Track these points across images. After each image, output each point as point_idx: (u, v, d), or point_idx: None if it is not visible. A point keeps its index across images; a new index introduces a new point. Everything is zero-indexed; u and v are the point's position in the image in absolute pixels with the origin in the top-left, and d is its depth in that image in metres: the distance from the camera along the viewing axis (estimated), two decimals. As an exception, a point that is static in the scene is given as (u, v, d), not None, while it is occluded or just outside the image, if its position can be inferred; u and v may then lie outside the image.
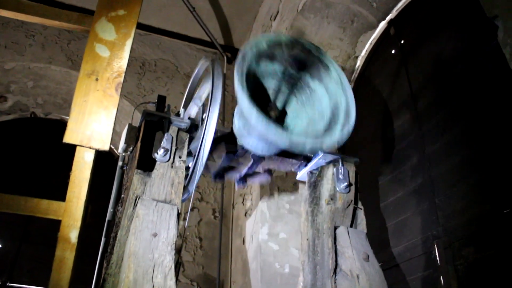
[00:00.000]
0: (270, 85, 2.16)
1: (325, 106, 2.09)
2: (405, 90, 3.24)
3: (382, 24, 3.89)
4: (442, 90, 2.91)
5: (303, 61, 2.12)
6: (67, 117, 5.24)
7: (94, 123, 1.75)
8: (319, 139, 1.93)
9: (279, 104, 2.20)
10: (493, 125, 2.47)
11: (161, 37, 5.34)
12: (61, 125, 5.28)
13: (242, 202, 4.26)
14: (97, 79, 1.78)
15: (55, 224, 1.85)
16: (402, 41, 3.49)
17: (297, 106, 2.20)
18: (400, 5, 3.71)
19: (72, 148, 1.89)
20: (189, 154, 2.08)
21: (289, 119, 2.19)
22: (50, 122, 5.37)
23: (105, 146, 1.78)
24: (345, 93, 2.06)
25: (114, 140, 2.07)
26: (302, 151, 2.27)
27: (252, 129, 2.01)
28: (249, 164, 2.28)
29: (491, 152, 2.44)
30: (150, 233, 1.75)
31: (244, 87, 1.81)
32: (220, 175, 2.37)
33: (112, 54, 1.83)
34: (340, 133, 1.92)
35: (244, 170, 2.32)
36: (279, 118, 2.16)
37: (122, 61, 1.84)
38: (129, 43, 1.88)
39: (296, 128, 2.14)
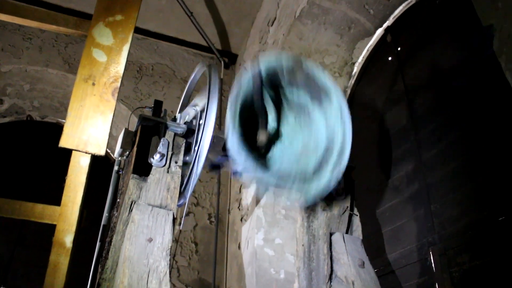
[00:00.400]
0: (267, 103, 2.14)
1: (321, 135, 2.05)
2: (402, 96, 3.25)
3: (379, 31, 3.91)
4: (438, 97, 2.92)
5: (304, 83, 2.10)
6: (63, 121, 5.24)
7: (90, 128, 1.75)
8: (306, 184, 1.89)
9: (273, 122, 2.19)
10: (488, 133, 2.48)
11: (158, 42, 5.35)
12: (57, 128, 5.27)
13: (238, 207, 4.26)
14: (93, 84, 1.78)
15: (50, 228, 1.84)
16: (399, 48, 3.51)
17: (294, 126, 2.17)
18: (397, 13, 3.73)
19: (68, 151, 1.88)
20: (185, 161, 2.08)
21: (283, 142, 2.17)
22: (46, 125, 5.36)
23: (101, 151, 1.78)
24: (344, 125, 2.01)
25: (110, 144, 2.07)
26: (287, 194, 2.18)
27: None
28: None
29: (486, 159, 2.45)
30: (145, 238, 1.75)
31: (235, 127, 1.82)
32: (215, 166, 2.34)
33: (109, 59, 1.83)
34: (329, 176, 1.89)
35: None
36: (273, 136, 2.15)
37: (119, 66, 1.84)
38: (126, 48, 1.88)
39: (286, 157, 2.11)
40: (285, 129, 2.20)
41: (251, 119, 2.05)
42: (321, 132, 2.06)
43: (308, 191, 1.89)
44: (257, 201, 3.79)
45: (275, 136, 2.18)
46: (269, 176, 1.88)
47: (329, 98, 2.05)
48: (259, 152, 2.09)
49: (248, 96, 1.97)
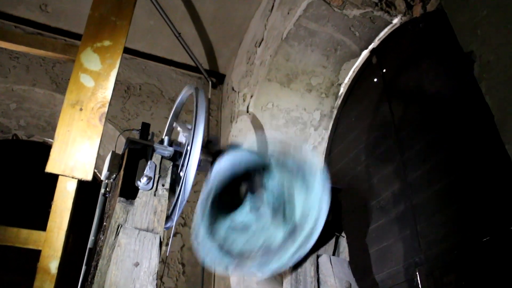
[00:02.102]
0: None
1: (297, 210, 2.05)
2: (387, 117, 3.30)
3: (365, 53, 3.98)
4: (423, 118, 2.97)
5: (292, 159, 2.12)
6: (50, 140, 5.20)
7: (77, 153, 1.75)
8: (266, 264, 1.91)
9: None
10: (473, 154, 2.52)
11: (146, 62, 5.37)
12: (44, 148, 5.23)
13: (226, 227, 4.24)
14: (81, 109, 1.79)
15: (35, 251, 1.82)
16: (384, 70, 3.57)
17: (276, 185, 2.19)
18: (382, 35, 3.81)
19: (54, 174, 1.87)
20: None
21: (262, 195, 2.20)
22: (33, 144, 5.31)
23: (88, 176, 1.78)
24: (319, 212, 1.95)
25: (97, 163, 2.06)
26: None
27: None
28: None
29: (471, 180, 2.49)
30: (132, 262, 1.73)
31: (203, 219, 1.92)
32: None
33: (97, 84, 1.84)
34: (289, 257, 1.90)
35: None
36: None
37: (106, 92, 1.85)
38: (114, 74, 1.89)
39: (259, 216, 2.13)
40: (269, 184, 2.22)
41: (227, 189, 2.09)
42: (297, 208, 2.05)
43: (268, 265, 1.91)
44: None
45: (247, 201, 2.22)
46: (230, 260, 1.93)
47: (312, 180, 2.03)
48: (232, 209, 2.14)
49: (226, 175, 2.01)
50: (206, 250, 1.91)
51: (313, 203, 1.98)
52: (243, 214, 2.16)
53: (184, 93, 2.37)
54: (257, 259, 1.92)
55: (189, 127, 2.06)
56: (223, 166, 2.01)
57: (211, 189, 1.94)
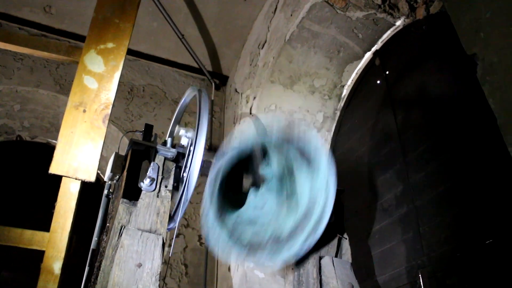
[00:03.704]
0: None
1: (304, 197, 2.03)
2: (390, 119, 3.30)
3: (368, 55, 3.98)
4: (426, 120, 2.97)
5: (295, 143, 2.11)
6: (53, 141, 5.22)
7: (80, 154, 1.76)
8: (277, 254, 1.90)
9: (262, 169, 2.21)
10: (476, 157, 2.52)
11: (150, 63, 5.39)
12: (47, 149, 5.25)
13: (228, 228, 4.24)
14: (84, 111, 1.80)
15: (38, 251, 1.83)
16: (387, 72, 3.57)
17: (278, 180, 2.18)
18: (385, 37, 3.81)
19: (58, 175, 1.88)
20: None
21: (268, 189, 2.19)
22: (36, 145, 5.34)
23: (91, 177, 1.78)
24: (327, 195, 1.95)
25: (101, 164, 2.07)
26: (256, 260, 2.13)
27: None
28: None
29: (474, 182, 2.48)
30: (135, 263, 1.74)
31: (212, 203, 1.88)
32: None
33: (100, 86, 1.85)
34: (300, 245, 1.88)
35: None
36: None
37: (110, 93, 1.86)
38: (117, 76, 1.90)
39: (266, 209, 2.13)
40: (270, 182, 2.22)
41: (233, 175, 2.09)
42: (304, 194, 2.04)
43: (278, 254, 1.90)
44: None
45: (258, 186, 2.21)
46: (240, 248, 1.91)
47: (317, 164, 2.02)
48: (238, 207, 2.13)
49: (232, 160, 2.00)
50: (216, 236, 1.89)
51: (320, 187, 1.97)
52: (249, 210, 2.16)
53: (187, 95, 2.37)
54: (267, 249, 1.91)
55: (190, 134, 2.06)
56: (230, 148, 2.01)
57: (219, 170, 1.93)
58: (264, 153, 2.18)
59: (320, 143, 2.08)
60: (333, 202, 1.95)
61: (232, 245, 1.91)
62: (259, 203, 2.18)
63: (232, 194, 2.13)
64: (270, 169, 2.21)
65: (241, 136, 2.08)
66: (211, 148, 4.98)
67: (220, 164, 1.96)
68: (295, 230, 1.94)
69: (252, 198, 2.19)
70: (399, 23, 3.67)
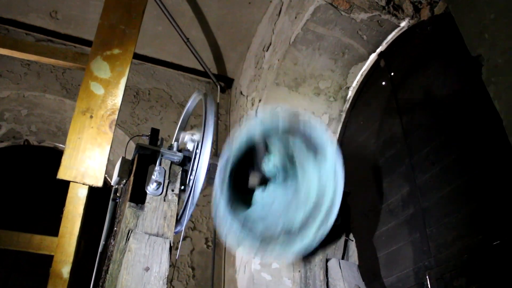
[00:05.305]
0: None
1: (313, 188, 2.04)
2: (396, 121, 3.30)
3: (373, 56, 3.98)
4: (431, 121, 2.96)
5: (301, 134, 2.11)
6: (60, 145, 5.26)
7: (88, 159, 1.78)
8: (290, 239, 1.91)
9: (268, 165, 2.21)
10: (482, 158, 2.51)
11: (155, 67, 5.41)
12: (55, 153, 5.28)
13: (235, 231, 4.24)
14: (91, 117, 1.81)
15: (47, 255, 1.85)
16: (392, 73, 3.56)
17: (286, 174, 2.18)
18: (389, 38, 3.81)
19: (65, 180, 1.90)
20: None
21: (276, 185, 2.19)
22: (44, 150, 5.37)
23: (98, 182, 1.80)
24: (336, 184, 1.97)
25: (108, 168, 2.09)
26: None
27: None
28: None
29: (480, 183, 2.48)
30: (142, 267, 1.75)
31: (222, 193, 1.88)
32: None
33: (107, 92, 1.87)
34: (313, 236, 1.89)
35: None
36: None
37: (116, 99, 1.88)
38: (123, 81, 1.92)
39: (275, 205, 2.13)
40: (277, 177, 2.22)
41: (242, 168, 2.09)
42: (313, 185, 2.04)
43: (291, 246, 1.90)
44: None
45: (265, 183, 2.21)
46: (253, 240, 1.91)
47: (324, 153, 2.03)
48: (247, 207, 2.13)
49: (241, 150, 2.01)
50: (227, 226, 1.89)
51: (328, 177, 1.97)
52: (258, 209, 2.16)
53: (193, 99, 2.39)
54: (279, 241, 1.91)
55: (196, 137, 2.07)
56: (239, 136, 2.01)
57: (228, 158, 1.94)
58: (268, 147, 2.18)
59: (325, 132, 2.09)
60: (342, 188, 1.96)
61: (245, 237, 1.91)
62: (268, 201, 2.18)
63: (240, 194, 2.14)
64: (275, 164, 2.21)
65: (247, 131, 2.07)
66: (217, 151, 4.99)
67: (228, 153, 1.96)
68: (306, 221, 1.95)
69: (260, 198, 2.20)
70: (403, 24, 3.67)
